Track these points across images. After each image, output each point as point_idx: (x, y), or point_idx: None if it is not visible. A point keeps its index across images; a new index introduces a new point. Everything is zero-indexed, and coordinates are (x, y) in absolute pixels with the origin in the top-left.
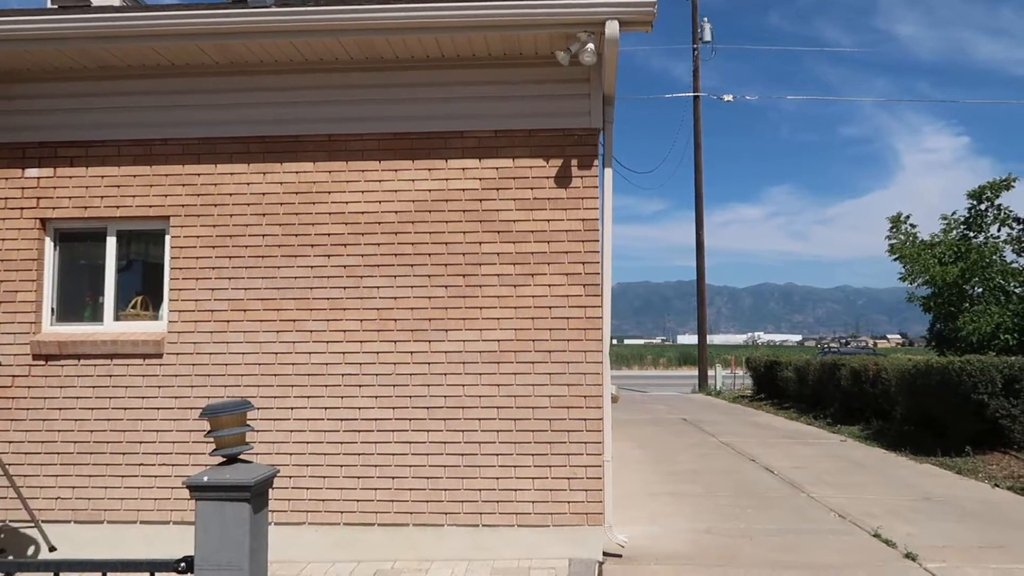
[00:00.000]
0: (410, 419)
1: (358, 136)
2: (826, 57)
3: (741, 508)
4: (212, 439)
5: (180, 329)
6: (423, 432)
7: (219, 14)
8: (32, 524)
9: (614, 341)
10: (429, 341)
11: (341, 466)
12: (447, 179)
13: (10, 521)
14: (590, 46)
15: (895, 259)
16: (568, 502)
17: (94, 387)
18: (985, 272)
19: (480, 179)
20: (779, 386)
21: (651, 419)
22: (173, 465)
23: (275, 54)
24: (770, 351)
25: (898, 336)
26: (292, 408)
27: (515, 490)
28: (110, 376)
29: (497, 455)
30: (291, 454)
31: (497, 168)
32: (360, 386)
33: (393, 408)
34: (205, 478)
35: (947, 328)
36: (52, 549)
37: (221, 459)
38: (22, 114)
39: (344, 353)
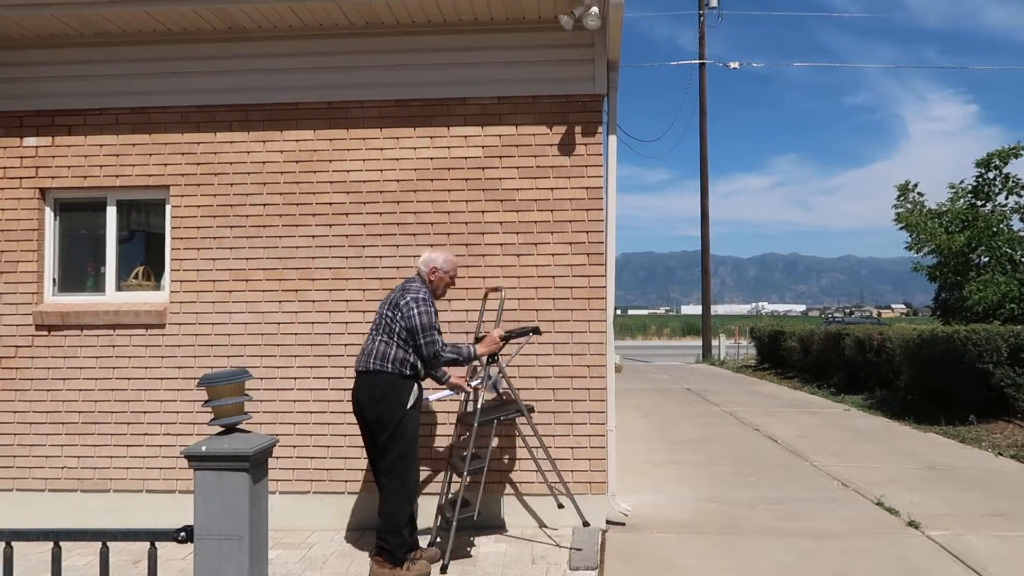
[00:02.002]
0: None
1: (358, 103)
2: (833, 24)
3: (744, 477)
4: (211, 409)
5: (182, 299)
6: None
7: None
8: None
9: (618, 311)
10: None
11: (345, 435)
12: (449, 147)
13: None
14: (594, 9)
15: (901, 228)
16: (572, 471)
17: (97, 357)
18: (992, 241)
19: (482, 147)
20: (783, 356)
21: (655, 388)
22: (177, 435)
23: (274, 19)
24: (774, 321)
25: (902, 306)
26: (295, 378)
27: (519, 459)
28: (113, 346)
29: (501, 424)
30: (295, 423)
31: (500, 136)
32: None
33: None
34: (203, 448)
35: (952, 297)
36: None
37: (220, 429)
38: (18, 82)
39: (347, 323)
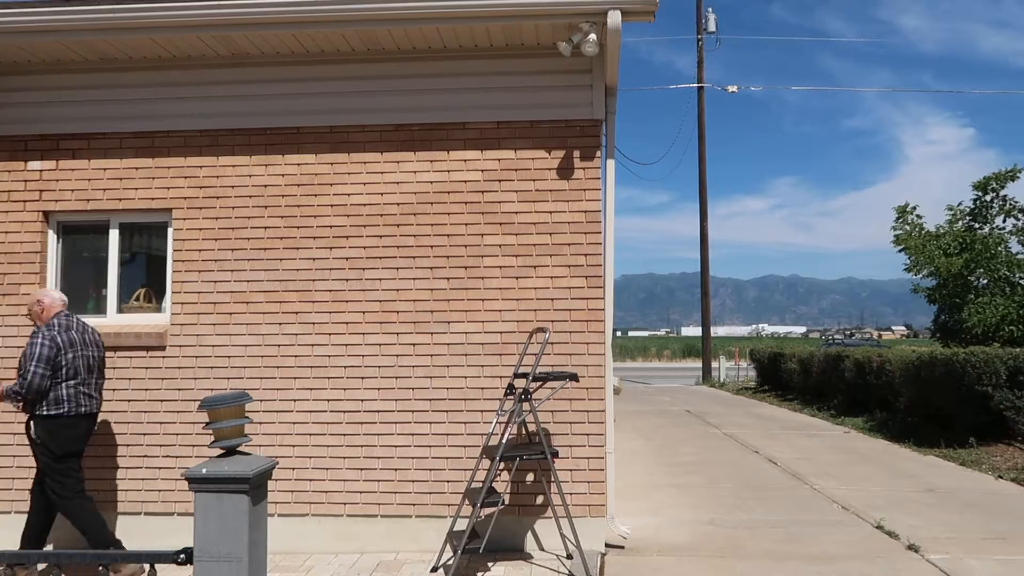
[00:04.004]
0: (413, 411)
1: (360, 127)
2: (830, 49)
3: (744, 500)
4: (211, 431)
5: (183, 321)
6: (426, 424)
7: (220, 5)
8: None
9: (618, 333)
10: (431, 333)
11: (344, 458)
12: (449, 171)
13: None
14: (592, 36)
15: (900, 250)
16: (570, 493)
17: None
18: (990, 263)
19: (482, 171)
20: (783, 378)
21: (655, 411)
22: (176, 457)
23: (277, 46)
24: (774, 343)
25: (903, 327)
26: (295, 400)
27: (518, 482)
28: (113, 368)
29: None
30: (294, 446)
31: (499, 159)
32: (363, 378)
33: (396, 400)
34: (204, 470)
35: (952, 319)
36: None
37: (221, 451)
38: (24, 106)
39: (346, 345)
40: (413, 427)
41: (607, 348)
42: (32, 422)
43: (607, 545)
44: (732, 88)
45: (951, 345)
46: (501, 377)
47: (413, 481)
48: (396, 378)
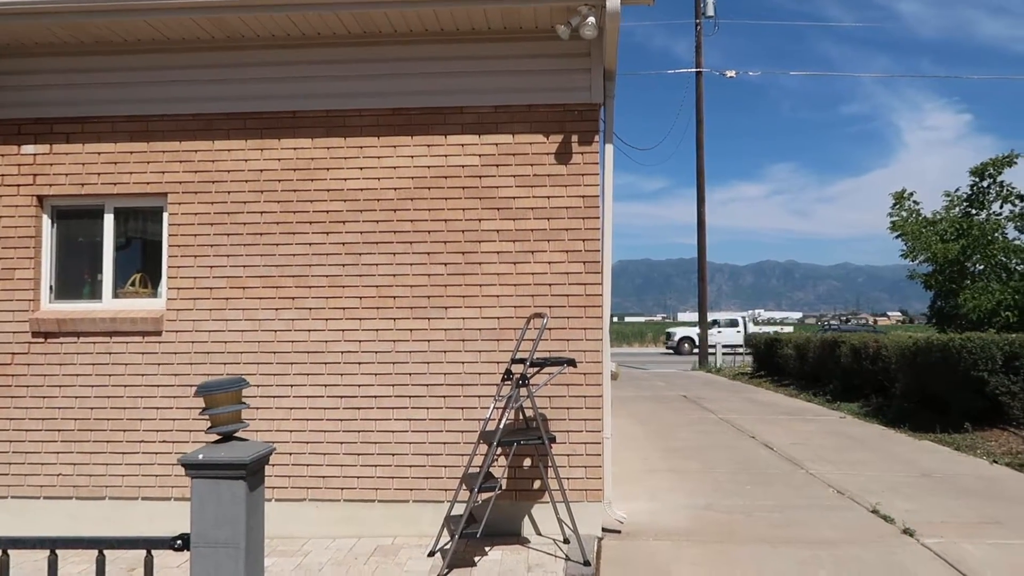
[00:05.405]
0: (410, 396)
1: (356, 112)
2: (828, 34)
3: (740, 484)
4: (208, 416)
5: (179, 307)
6: (423, 409)
7: None
8: None
9: (615, 319)
10: (428, 319)
11: (341, 443)
12: (446, 155)
13: None
14: (591, 19)
15: (897, 236)
16: (567, 478)
17: (93, 364)
18: (986, 249)
19: (479, 155)
20: (779, 363)
21: (651, 396)
22: (173, 442)
23: (272, 28)
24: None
25: (898, 313)
26: (292, 386)
27: (515, 467)
28: (109, 354)
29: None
30: (291, 431)
31: (497, 144)
32: (360, 364)
33: (393, 386)
34: (200, 456)
35: (948, 305)
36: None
37: (217, 437)
38: (17, 90)
39: (343, 331)
40: (410, 412)
41: (605, 334)
42: None
43: (604, 530)
44: (730, 73)
45: (947, 331)
46: (498, 363)
47: (410, 466)
48: (393, 364)
